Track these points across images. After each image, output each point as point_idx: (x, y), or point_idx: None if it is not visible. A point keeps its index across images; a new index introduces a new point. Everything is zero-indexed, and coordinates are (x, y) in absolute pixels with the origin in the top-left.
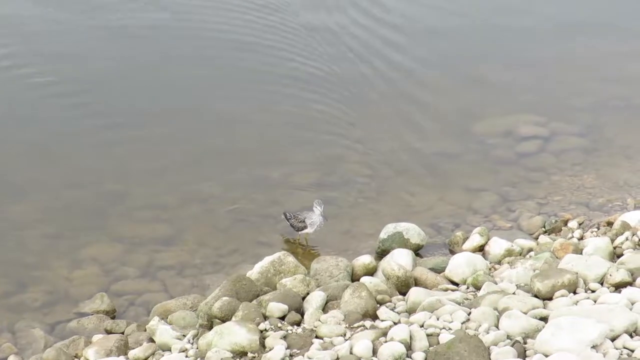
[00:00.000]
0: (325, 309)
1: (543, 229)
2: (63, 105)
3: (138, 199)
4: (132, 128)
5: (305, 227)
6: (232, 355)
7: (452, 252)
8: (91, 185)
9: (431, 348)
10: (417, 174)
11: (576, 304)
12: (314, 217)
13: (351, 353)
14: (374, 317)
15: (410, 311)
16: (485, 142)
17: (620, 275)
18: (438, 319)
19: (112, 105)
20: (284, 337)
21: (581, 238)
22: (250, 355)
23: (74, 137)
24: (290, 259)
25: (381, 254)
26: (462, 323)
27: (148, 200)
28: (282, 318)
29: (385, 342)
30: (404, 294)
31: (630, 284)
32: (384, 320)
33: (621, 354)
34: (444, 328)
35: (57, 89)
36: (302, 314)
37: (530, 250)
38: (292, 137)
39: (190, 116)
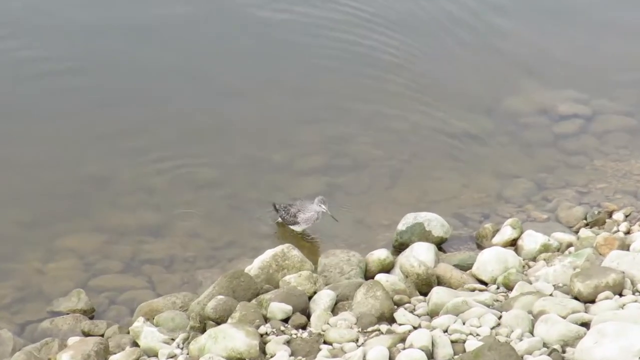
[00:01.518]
0: (334, 310)
1: (584, 221)
2: (39, 76)
3: (122, 182)
4: (117, 103)
5: (297, 222)
6: None
7: (480, 247)
8: (69, 166)
9: (456, 356)
10: (440, 157)
11: (622, 308)
12: (308, 213)
13: None
14: (391, 320)
15: (432, 314)
16: (518, 121)
17: None
18: (464, 324)
19: (95, 78)
20: (288, 342)
21: (628, 232)
22: None
23: (50, 113)
24: (295, 252)
25: (399, 248)
26: (492, 328)
27: (134, 184)
28: (286, 320)
29: (404, 349)
30: (425, 294)
31: None
32: (402, 324)
33: None
34: (470, 334)
35: (38, 63)
36: (309, 316)
37: (569, 245)
38: (297, 114)
39: (182, 89)
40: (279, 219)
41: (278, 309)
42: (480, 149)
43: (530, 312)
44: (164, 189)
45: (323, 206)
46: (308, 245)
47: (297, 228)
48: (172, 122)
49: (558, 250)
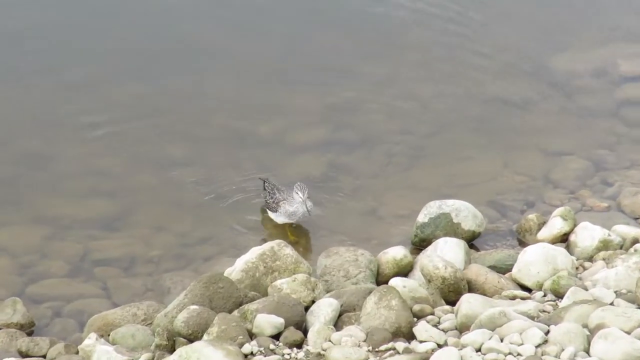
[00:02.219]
0: (338, 323)
1: None
2: None
3: (68, 162)
4: (60, 64)
5: (277, 211)
6: None
7: (523, 244)
8: (0, 143)
9: None
10: (471, 130)
11: None
12: (293, 206)
13: None
14: (409, 336)
15: (462, 328)
16: (568, 85)
17: None
18: (502, 340)
19: (42, 36)
20: None
21: None
22: None
23: None
24: (288, 251)
25: (419, 244)
26: (538, 346)
27: (83, 166)
28: (276, 337)
29: None
30: (452, 303)
31: None
32: (424, 342)
33: None
34: (510, 353)
35: None
36: (305, 332)
37: (635, 241)
38: (289, 75)
39: (145, 46)
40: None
41: (266, 322)
42: (523, 119)
43: (585, 326)
44: (120, 171)
45: (300, 194)
46: (304, 241)
47: (276, 218)
48: (129, 86)
49: (621, 248)
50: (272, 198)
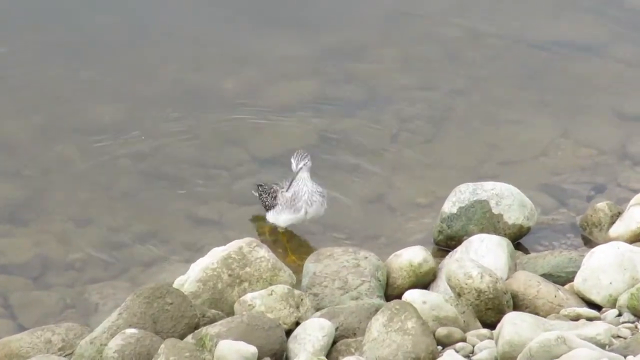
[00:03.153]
0: (332, 354)
1: None
2: None
3: None
4: None
5: (274, 206)
6: None
7: (589, 243)
8: None
9: None
10: (517, 85)
11: None
12: (302, 192)
13: None
14: None
15: (504, 359)
16: None
17: None
18: None
19: None
20: None
21: None
22: None
23: None
24: (263, 252)
25: (445, 244)
26: None
27: None
28: None
29: None
30: (491, 325)
31: None
32: None
33: None
34: None
35: None
36: None
37: None
38: (265, 11)
39: None
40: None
41: (233, 352)
42: (588, 70)
43: None
44: (27, 140)
45: (293, 162)
46: (285, 240)
47: (276, 218)
48: (41, 21)
49: None
50: (268, 194)
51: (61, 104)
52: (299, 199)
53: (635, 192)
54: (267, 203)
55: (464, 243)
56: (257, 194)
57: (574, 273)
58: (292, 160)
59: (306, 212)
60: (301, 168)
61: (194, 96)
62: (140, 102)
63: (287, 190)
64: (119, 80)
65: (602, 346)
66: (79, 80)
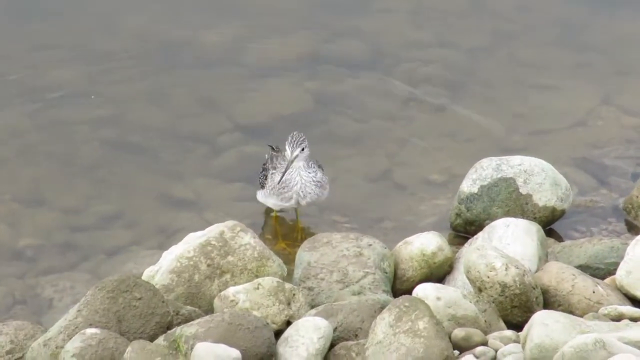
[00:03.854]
0: (329, 358)
1: None
2: None
3: None
4: None
5: (264, 187)
6: None
7: (634, 229)
8: None
9: None
10: (548, 42)
11: None
12: (293, 182)
13: None
14: None
15: None
16: None
17: None
18: None
19: None
20: None
21: None
22: None
23: None
24: (248, 238)
25: (464, 230)
26: None
27: None
28: None
29: None
30: (517, 326)
31: None
32: None
33: None
34: None
35: None
36: None
37: None
38: None
39: None
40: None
41: (212, 356)
42: (634, 26)
43: None
44: None
45: (288, 149)
46: (274, 222)
47: (264, 199)
48: None
49: None
50: (262, 170)
51: (5, 62)
52: (289, 188)
53: None
54: (259, 178)
55: (486, 228)
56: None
57: (616, 264)
58: (287, 146)
59: (298, 203)
60: (297, 156)
61: (165, 52)
62: (100, 58)
63: (278, 178)
64: (74, 33)
65: None
66: (26, 34)
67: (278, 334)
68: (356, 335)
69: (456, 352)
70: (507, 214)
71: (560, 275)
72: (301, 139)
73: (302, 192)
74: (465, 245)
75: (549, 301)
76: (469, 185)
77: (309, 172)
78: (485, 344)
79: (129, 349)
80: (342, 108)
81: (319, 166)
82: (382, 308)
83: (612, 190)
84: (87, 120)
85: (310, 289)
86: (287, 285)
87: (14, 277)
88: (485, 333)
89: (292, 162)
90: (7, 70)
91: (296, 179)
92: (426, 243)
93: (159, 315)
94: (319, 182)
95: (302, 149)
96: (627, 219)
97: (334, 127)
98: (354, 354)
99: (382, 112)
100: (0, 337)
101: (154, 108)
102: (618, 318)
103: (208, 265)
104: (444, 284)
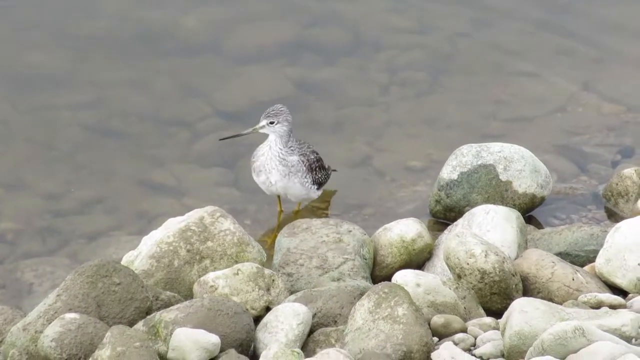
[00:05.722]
0: (309, 345)
1: None
2: None
3: None
4: None
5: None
6: None
7: (614, 216)
8: None
9: None
10: (529, 25)
11: None
12: (260, 153)
13: None
14: None
15: (512, 355)
16: None
17: None
18: None
19: None
20: None
21: None
22: None
23: None
24: (228, 224)
25: (443, 216)
26: None
27: None
28: None
29: None
30: (497, 313)
31: None
32: None
33: None
34: None
35: None
36: (255, 357)
37: None
38: None
39: None
40: None
41: (191, 342)
42: (615, 12)
43: None
44: None
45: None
46: (256, 207)
47: (258, 180)
48: None
49: None
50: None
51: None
52: (257, 158)
53: None
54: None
55: (466, 215)
56: None
57: (596, 252)
58: (265, 120)
59: (269, 180)
60: (263, 127)
61: (146, 38)
62: (81, 43)
63: (260, 158)
64: (53, 19)
65: (628, 339)
66: (6, 18)
67: (257, 319)
68: (335, 322)
69: (435, 338)
70: (487, 200)
71: (540, 263)
72: (274, 113)
73: (266, 166)
74: (445, 231)
75: (528, 288)
76: (449, 171)
77: (280, 149)
78: (464, 330)
79: (108, 334)
80: (322, 94)
81: (306, 155)
82: (361, 294)
83: (592, 178)
84: (68, 105)
85: (289, 274)
86: (267, 271)
87: None
88: (465, 320)
89: (254, 130)
90: None
91: (263, 150)
92: (406, 229)
93: (138, 300)
94: (284, 159)
95: (272, 122)
96: (606, 206)
97: (314, 114)
98: (333, 340)
99: (362, 99)
100: None
101: (134, 93)
102: (597, 305)
103: (188, 251)
104: (423, 270)
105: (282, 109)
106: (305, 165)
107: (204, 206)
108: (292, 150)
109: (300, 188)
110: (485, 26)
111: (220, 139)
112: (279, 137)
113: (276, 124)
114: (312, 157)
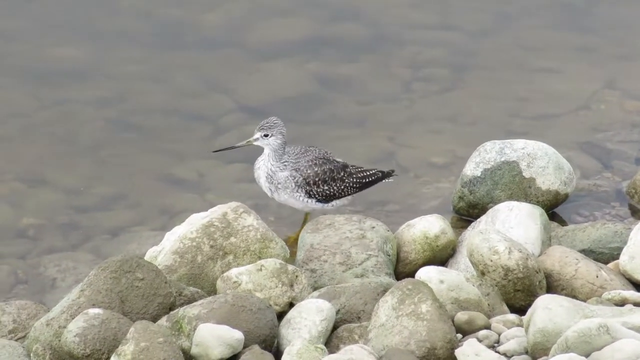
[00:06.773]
0: (332, 341)
1: None
2: None
3: None
4: None
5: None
6: None
7: (637, 213)
8: None
9: None
10: (553, 24)
11: None
12: (257, 166)
13: None
14: None
15: (536, 352)
16: None
17: None
18: None
19: None
20: None
21: None
22: None
23: None
24: (251, 220)
25: (467, 213)
26: None
27: None
28: None
29: None
30: (520, 310)
31: None
32: None
33: None
34: None
35: None
36: (279, 353)
37: None
38: None
39: None
40: None
41: (215, 338)
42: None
43: None
44: None
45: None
46: (278, 203)
47: (261, 185)
48: None
49: None
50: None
51: (8, 42)
52: (255, 168)
53: None
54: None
55: (489, 212)
56: None
57: (620, 249)
58: (260, 133)
59: (269, 189)
60: (257, 139)
61: (168, 33)
62: (103, 39)
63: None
64: (77, 14)
65: None
66: (29, 15)
67: (281, 315)
68: (359, 318)
69: (459, 335)
70: (511, 197)
71: (564, 260)
72: (269, 125)
73: (260, 180)
74: (468, 228)
75: (552, 285)
76: (472, 168)
77: (272, 164)
78: (488, 327)
79: (131, 329)
80: (344, 90)
81: (301, 170)
82: (384, 291)
83: (616, 174)
84: (90, 100)
85: (313, 270)
86: (290, 267)
87: (15, 257)
88: (488, 317)
89: (249, 142)
90: (10, 49)
91: (260, 163)
92: (429, 226)
93: (161, 295)
94: (271, 177)
95: (266, 135)
96: (630, 203)
97: (337, 109)
98: (356, 337)
99: (385, 95)
100: (3, 316)
101: (157, 88)
102: (621, 303)
103: (211, 247)
104: (446, 267)
105: (276, 121)
106: (295, 182)
107: (226, 202)
108: (285, 165)
109: (294, 202)
110: (508, 22)
111: (214, 151)
112: (273, 151)
113: (270, 137)
114: (312, 171)
